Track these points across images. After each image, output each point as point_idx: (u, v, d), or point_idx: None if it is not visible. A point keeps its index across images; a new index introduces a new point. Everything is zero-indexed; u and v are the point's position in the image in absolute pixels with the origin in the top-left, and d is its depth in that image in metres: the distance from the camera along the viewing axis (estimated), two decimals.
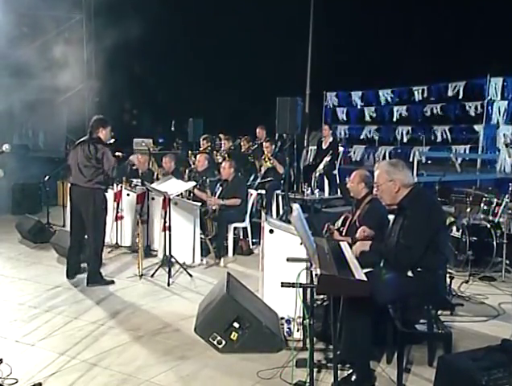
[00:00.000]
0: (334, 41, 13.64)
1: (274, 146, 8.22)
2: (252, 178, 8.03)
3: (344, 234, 4.57)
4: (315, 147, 9.67)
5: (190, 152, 8.74)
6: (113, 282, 5.42)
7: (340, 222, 4.76)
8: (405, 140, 12.87)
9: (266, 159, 7.90)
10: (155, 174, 7.62)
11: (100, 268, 5.48)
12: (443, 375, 2.77)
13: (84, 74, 8.53)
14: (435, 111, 12.35)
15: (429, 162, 11.72)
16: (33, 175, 9.47)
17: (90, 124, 5.44)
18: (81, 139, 5.43)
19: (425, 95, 12.58)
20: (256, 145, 8.81)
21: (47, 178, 7.99)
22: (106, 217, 5.51)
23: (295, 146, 8.34)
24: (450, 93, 11.97)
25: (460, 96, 11.81)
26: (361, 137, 13.79)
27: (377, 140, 13.48)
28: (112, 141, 7.93)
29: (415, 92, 12.73)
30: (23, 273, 5.78)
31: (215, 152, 8.87)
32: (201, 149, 9.21)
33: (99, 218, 5.32)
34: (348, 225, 4.62)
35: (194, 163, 7.77)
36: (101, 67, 8.09)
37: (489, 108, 11.22)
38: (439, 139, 12.18)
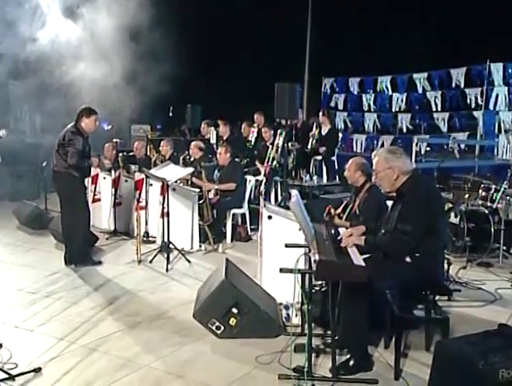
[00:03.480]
0: (333, 27, 13.53)
1: (272, 131, 8.18)
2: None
3: (344, 220, 4.58)
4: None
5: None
6: (100, 263, 5.51)
7: (341, 208, 4.77)
8: (405, 129, 12.83)
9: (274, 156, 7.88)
10: (154, 160, 7.62)
11: (87, 248, 5.58)
12: (441, 359, 2.78)
13: (83, 57, 8.48)
14: (435, 98, 12.30)
15: (428, 148, 11.70)
16: (30, 161, 9.43)
17: (77, 112, 5.48)
18: (67, 127, 5.48)
19: (425, 82, 12.52)
20: (256, 133, 8.79)
21: (44, 163, 7.94)
22: (84, 198, 5.61)
23: (294, 133, 8.30)
24: (450, 80, 11.92)
25: (461, 83, 11.76)
26: (362, 125, 13.75)
27: (377, 128, 13.45)
28: (109, 127, 7.89)
29: (416, 80, 12.68)
30: (21, 258, 5.78)
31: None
32: (202, 133, 9.27)
33: (73, 201, 5.39)
34: (349, 212, 4.63)
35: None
36: (99, 51, 8.03)
37: (489, 94, 11.18)
38: (439, 126, 12.15)
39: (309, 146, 8.85)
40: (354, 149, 13.33)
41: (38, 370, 3.23)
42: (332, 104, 14.34)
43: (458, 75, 11.78)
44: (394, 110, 13.19)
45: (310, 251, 3.24)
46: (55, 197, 8.14)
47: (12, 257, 5.84)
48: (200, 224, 6.28)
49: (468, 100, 11.64)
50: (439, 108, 12.31)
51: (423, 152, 11.37)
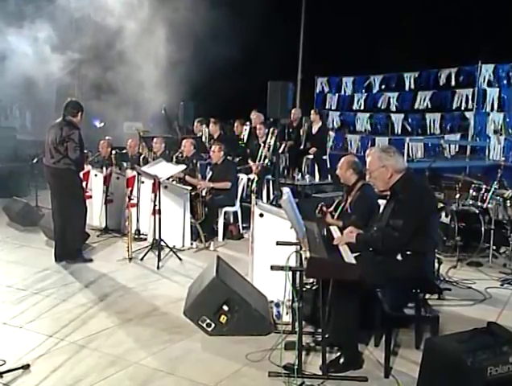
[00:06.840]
0: (326, 26, 13.53)
1: (266, 130, 8.19)
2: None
3: (336, 218, 4.59)
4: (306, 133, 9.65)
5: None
6: (91, 260, 5.49)
7: (333, 207, 4.78)
8: (399, 129, 12.83)
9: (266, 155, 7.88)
10: (145, 157, 7.61)
11: (80, 246, 5.55)
12: (430, 357, 2.80)
13: (74, 54, 8.45)
14: (426, 98, 12.33)
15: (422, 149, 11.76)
16: (21, 158, 9.36)
17: (64, 106, 5.42)
18: (56, 121, 5.43)
19: (416, 82, 12.55)
20: (248, 130, 8.79)
21: (35, 160, 7.88)
22: (82, 195, 5.58)
23: (286, 131, 8.31)
24: (441, 80, 11.96)
25: (452, 83, 11.81)
26: (355, 125, 13.75)
27: (369, 129, 13.45)
28: (102, 124, 7.86)
29: (406, 79, 12.71)
30: (11, 255, 5.74)
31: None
32: (194, 131, 9.23)
33: (71, 197, 5.36)
34: (341, 211, 4.64)
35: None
36: (90, 48, 8.02)
37: (481, 95, 11.23)
38: (430, 127, 12.18)
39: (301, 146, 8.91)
40: (349, 150, 13.34)
41: (26, 367, 3.20)
42: (325, 103, 14.34)
43: (449, 75, 11.82)
44: (385, 109, 13.20)
45: (301, 248, 3.24)
46: (45, 194, 8.09)
47: (1, 254, 5.79)
48: (191, 222, 6.27)
49: (460, 101, 11.69)
50: (431, 109, 12.33)
51: (419, 154, 11.47)
